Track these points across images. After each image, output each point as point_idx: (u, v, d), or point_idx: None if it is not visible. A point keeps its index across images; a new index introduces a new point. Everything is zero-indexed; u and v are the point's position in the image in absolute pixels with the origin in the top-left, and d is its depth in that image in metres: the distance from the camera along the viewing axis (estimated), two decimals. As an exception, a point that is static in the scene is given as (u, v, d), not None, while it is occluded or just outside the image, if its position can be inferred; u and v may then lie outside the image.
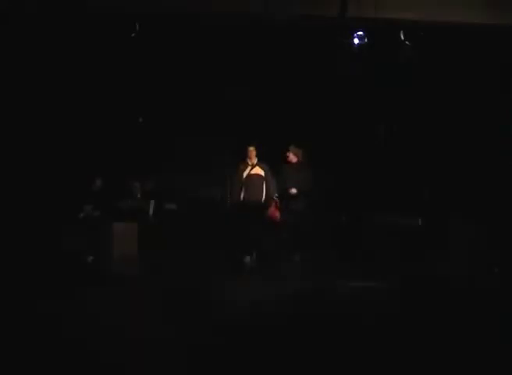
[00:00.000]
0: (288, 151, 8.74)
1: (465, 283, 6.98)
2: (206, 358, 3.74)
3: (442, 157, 9.03)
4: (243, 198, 8.69)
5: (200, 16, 6.25)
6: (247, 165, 8.81)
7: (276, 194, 8.70)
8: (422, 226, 9.22)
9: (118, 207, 9.55)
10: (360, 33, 6.23)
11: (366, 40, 6.26)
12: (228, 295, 6.15)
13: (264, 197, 8.68)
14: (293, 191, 8.65)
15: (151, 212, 9.70)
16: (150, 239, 9.43)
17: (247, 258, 8.36)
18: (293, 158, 8.74)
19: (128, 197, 9.79)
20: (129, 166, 10.40)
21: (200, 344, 4.00)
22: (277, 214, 8.59)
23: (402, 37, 6.22)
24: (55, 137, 8.54)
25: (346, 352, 3.89)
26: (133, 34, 6.17)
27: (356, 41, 6.28)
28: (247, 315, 5.13)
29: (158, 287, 6.44)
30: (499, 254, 7.49)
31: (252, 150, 8.77)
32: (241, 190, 8.68)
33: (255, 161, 8.80)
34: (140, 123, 11.01)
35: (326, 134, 10.85)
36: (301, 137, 8.74)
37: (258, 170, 8.73)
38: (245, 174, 8.75)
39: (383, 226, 9.66)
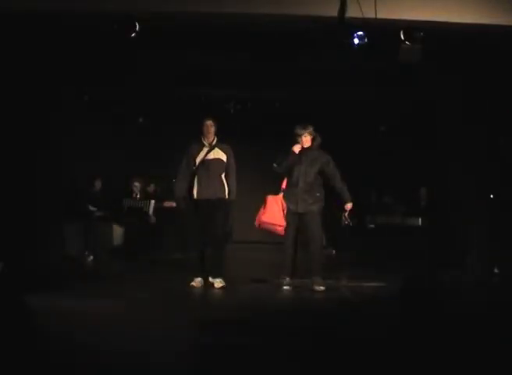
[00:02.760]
0: (299, 135, 6.46)
1: (465, 284, 6.99)
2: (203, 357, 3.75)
3: (442, 156, 9.04)
4: (196, 194, 6.33)
5: (200, 16, 6.25)
6: (202, 146, 6.41)
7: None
8: (422, 226, 9.26)
9: (118, 207, 9.58)
10: (360, 33, 6.21)
11: (366, 40, 6.24)
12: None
13: (226, 194, 6.39)
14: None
15: (150, 212, 9.72)
16: (150, 239, 9.49)
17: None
18: (306, 141, 6.48)
19: (128, 197, 9.82)
20: (129, 166, 10.44)
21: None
22: (282, 224, 6.54)
23: (402, 37, 6.20)
24: (55, 137, 8.55)
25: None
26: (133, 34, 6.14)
27: (356, 41, 6.26)
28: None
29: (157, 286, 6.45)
30: (500, 254, 7.48)
31: (210, 124, 6.39)
32: (191, 182, 6.35)
33: (214, 141, 6.43)
34: (140, 123, 11.07)
35: (325, 135, 10.88)
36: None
37: (219, 154, 6.38)
38: (199, 159, 6.35)
39: (384, 226, 9.69)
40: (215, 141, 6.42)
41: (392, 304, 5.17)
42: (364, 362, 3.68)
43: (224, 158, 6.39)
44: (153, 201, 9.78)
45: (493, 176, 7.64)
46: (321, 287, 6.28)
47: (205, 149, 6.37)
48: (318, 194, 6.46)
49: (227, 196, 6.39)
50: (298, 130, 6.47)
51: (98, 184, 9.42)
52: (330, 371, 3.63)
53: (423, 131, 9.69)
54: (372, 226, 9.98)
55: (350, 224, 10.40)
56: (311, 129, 6.51)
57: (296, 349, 3.86)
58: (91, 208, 9.24)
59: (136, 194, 9.93)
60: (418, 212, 9.46)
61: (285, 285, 6.45)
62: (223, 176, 6.39)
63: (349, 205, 6.55)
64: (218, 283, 6.30)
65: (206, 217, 6.28)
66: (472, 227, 7.91)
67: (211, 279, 6.37)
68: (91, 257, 8.71)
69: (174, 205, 10.07)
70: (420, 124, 9.72)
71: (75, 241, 8.83)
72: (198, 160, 6.33)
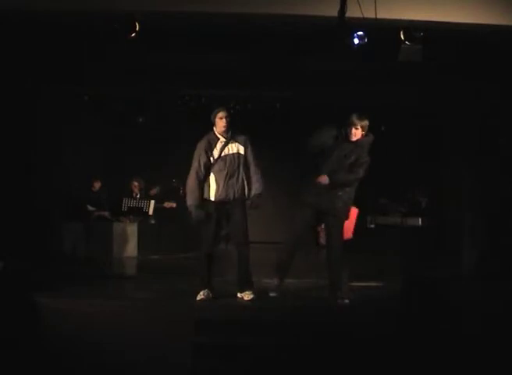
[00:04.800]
0: (352, 124, 5.72)
1: (465, 283, 6.99)
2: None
3: (442, 156, 9.05)
4: (214, 195, 5.61)
5: (200, 16, 6.25)
6: (216, 140, 5.66)
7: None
8: (422, 226, 9.26)
9: (118, 207, 9.58)
10: (360, 33, 6.21)
11: (366, 40, 6.25)
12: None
13: (246, 193, 5.71)
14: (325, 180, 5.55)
15: (150, 212, 9.72)
16: (150, 239, 9.48)
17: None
18: (356, 134, 5.75)
19: (128, 197, 9.82)
20: (129, 166, 10.44)
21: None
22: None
23: (402, 37, 6.21)
24: (55, 137, 8.55)
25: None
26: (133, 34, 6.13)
27: (356, 41, 6.27)
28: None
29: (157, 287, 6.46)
30: (499, 252, 7.49)
31: (224, 116, 5.62)
32: (206, 182, 5.61)
33: (229, 133, 5.68)
34: (140, 123, 11.07)
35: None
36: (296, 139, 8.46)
37: (237, 148, 5.68)
38: (215, 156, 5.61)
39: (384, 226, 9.69)
40: (230, 134, 5.68)
41: (392, 304, 5.17)
42: (365, 361, 3.68)
43: (242, 151, 5.68)
44: (153, 201, 9.78)
45: (493, 176, 7.65)
46: (346, 301, 5.66)
47: (220, 143, 5.63)
48: (339, 193, 5.61)
49: (246, 195, 5.70)
50: (353, 119, 5.68)
51: (97, 184, 9.47)
52: (331, 370, 3.63)
53: (423, 131, 9.69)
54: (372, 226, 9.97)
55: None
56: (366, 123, 5.71)
57: (296, 349, 3.87)
58: (90, 207, 9.24)
59: (137, 194, 9.93)
60: (418, 212, 9.45)
61: (272, 291, 5.87)
62: (243, 172, 5.67)
63: (322, 178, 5.54)
64: (247, 295, 5.72)
65: (223, 220, 5.69)
66: (472, 226, 7.92)
67: (239, 294, 5.75)
68: (90, 257, 8.70)
69: (174, 205, 10.08)
70: (420, 124, 9.72)
71: (74, 241, 8.83)
72: (214, 156, 5.60)
